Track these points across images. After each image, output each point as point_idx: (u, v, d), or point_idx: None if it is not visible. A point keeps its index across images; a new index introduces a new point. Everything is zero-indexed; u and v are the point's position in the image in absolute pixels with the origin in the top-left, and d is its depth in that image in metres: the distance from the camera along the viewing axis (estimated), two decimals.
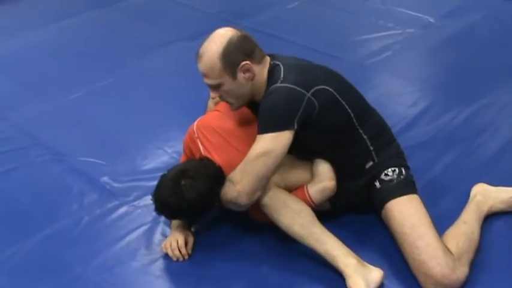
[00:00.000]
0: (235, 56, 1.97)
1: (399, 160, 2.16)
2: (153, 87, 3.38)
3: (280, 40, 3.75)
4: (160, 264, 2.13)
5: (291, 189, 2.09)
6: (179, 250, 2.11)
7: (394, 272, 2.00)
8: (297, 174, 2.10)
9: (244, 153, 2.07)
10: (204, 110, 2.51)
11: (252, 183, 1.92)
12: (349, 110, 2.05)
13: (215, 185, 2.02)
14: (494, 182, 2.30)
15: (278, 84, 1.96)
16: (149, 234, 2.27)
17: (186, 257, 2.12)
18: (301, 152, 2.15)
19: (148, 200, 2.40)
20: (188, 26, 4.09)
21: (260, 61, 2.03)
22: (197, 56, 2.02)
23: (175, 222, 2.22)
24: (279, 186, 2.03)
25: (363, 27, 3.88)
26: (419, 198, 2.07)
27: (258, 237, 2.21)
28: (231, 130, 2.18)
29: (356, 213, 2.25)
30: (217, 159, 2.11)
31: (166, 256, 2.14)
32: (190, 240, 2.17)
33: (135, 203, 2.44)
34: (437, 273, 1.86)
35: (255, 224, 2.20)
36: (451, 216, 2.13)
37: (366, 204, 2.19)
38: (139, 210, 2.40)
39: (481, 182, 2.31)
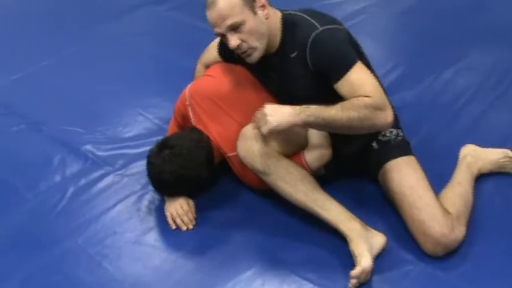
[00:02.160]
0: None
1: (396, 122, 2.14)
2: (124, 53, 3.27)
3: None
4: (155, 234, 2.08)
5: (287, 155, 2.04)
6: (185, 216, 2.08)
7: (393, 235, 2.00)
8: (294, 138, 2.05)
9: (240, 121, 2.04)
10: (191, 75, 2.45)
11: (385, 96, 1.88)
12: (364, 61, 2.00)
13: (202, 157, 2.03)
14: (480, 144, 2.31)
15: (320, 29, 1.89)
16: (139, 203, 2.21)
17: (191, 225, 2.08)
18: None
19: (135, 168, 2.37)
20: None
21: (269, 4, 1.97)
22: (208, 4, 1.90)
23: None
24: (278, 152, 1.99)
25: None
26: (416, 159, 2.07)
27: (257, 205, 2.18)
28: (226, 96, 2.12)
29: (350, 176, 2.23)
30: (211, 128, 2.06)
31: (160, 225, 2.10)
32: (191, 204, 2.12)
33: (121, 171, 2.36)
34: (437, 232, 1.87)
35: (246, 189, 2.18)
36: (440, 178, 2.12)
37: (361, 166, 2.17)
38: (126, 179, 2.33)
39: (467, 143, 2.33)
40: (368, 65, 2.04)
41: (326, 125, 1.87)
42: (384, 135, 2.08)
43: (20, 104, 2.82)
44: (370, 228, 1.93)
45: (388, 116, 1.85)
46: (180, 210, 2.08)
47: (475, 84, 2.81)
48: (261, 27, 1.93)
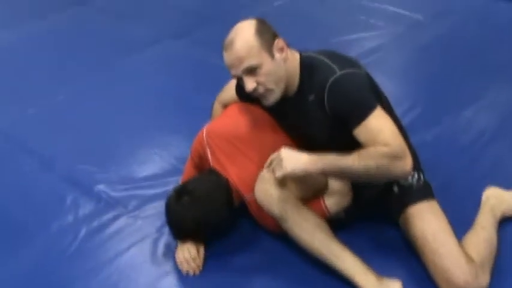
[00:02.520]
0: (267, 34, 1.87)
1: (417, 164, 2.09)
2: (141, 88, 3.25)
3: None
4: (170, 279, 2.02)
5: (307, 199, 2.00)
6: (192, 262, 2.02)
7: (411, 280, 1.94)
8: (313, 182, 2.01)
9: (257, 163, 2.00)
10: (208, 113, 2.42)
11: (404, 144, 1.80)
12: (384, 104, 1.97)
13: (222, 200, 2.00)
14: (502, 185, 2.26)
15: (339, 73, 1.84)
16: (154, 246, 2.14)
17: (197, 271, 2.02)
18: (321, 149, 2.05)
19: (149, 210, 2.32)
20: (172, 24, 3.98)
21: (287, 45, 1.93)
22: (225, 45, 1.88)
23: None
24: (296, 197, 1.94)
25: (353, 25, 3.81)
26: (437, 203, 2.01)
27: (267, 247, 2.12)
28: (244, 138, 2.08)
29: (368, 219, 2.17)
30: (229, 170, 2.02)
31: (175, 270, 2.03)
32: (201, 250, 2.07)
33: (135, 213, 2.31)
34: (460, 280, 1.82)
35: (264, 233, 2.13)
36: (462, 221, 2.07)
37: (381, 210, 2.12)
38: (141, 221, 2.27)
39: (489, 185, 2.27)
40: (388, 107, 2.01)
41: (343, 174, 1.84)
42: (405, 180, 2.03)
43: (34, 140, 2.79)
44: (385, 280, 1.87)
45: (406, 164, 1.79)
46: (187, 255, 2.03)
47: (494, 124, 2.76)
48: (278, 70, 1.89)
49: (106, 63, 3.49)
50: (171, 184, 2.43)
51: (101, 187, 2.45)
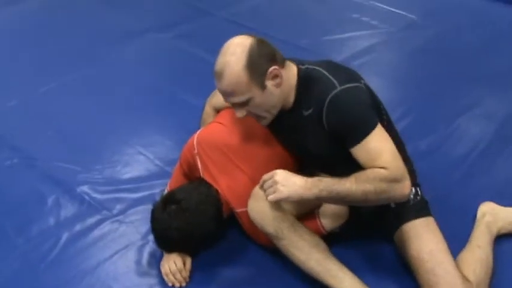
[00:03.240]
0: (260, 64, 1.74)
1: (414, 179, 2.02)
2: (125, 82, 3.13)
3: (259, 34, 3.54)
4: None
5: (301, 215, 1.94)
6: (178, 274, 1.94)
7: None
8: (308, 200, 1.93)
9: (249, 174, 1.93)
10: (195, 111, 2.38)
11: (403, 166, 1.74)
12: (384, 116, 1.91)
13: (211, 213, 1.92)
14: (497, 199, 2.22)
15: (339, 88, 1.75)
16: (138, 255, 2.06)
17: (184, 283, 1.94)
18: (314, 165, 1.99)
19: (134, 214, 2.24)
20: (161, 15, 3.85)
21: (283, 62, 1.83)
22: (215, 73, 1.78)
23: None
24: (291, 214, 1.88)
25: (346, 23, 3.72)
26: (434, 221, 1.95)
27: (257, 259, 2.05)
28: (236, 148, 1.99)
29: (363, 234, 2.11)
30: (220, 181, 1.94)
31: (161, 282, 1.95)
32: (188, 261, 1.98)
33: (120, 217, 2.22)
34: None
35: (252, 243, 2.06)
36: (456, 237, 2.00)
37: (377, 225, 2.06)
38: (125, 226, 2.18)
39: (484, 199, 2.23)
40: (386, 116, 1.95)
41: (340, 199, 1.75)
42: None
43: (14, 135, 2.68)
44: None
45: (405, 187, 1.72)
46: (173, 266, 1.95)
47: (490, 133, 2.70)
48: (270, 100, 1.81)
49: (89, 55, 3.35)
50: (157, 187, 2.36)
51: (83, 188, 2.35)
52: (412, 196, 1.97)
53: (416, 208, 1.96)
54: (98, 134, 2.68)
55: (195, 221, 1.89)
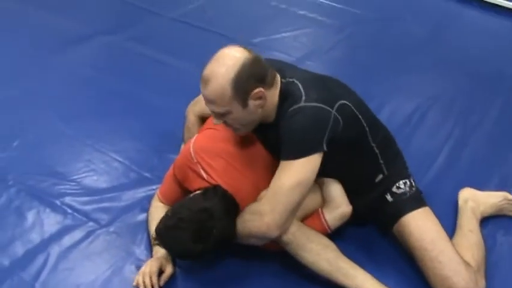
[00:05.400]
0: (247, 82, 1.73)
1: (406, 171, 2.08)
2: (85, 88, 2.99)
3: (209, 33, 3.52)
4: None
5: (304, 217, 1.96)
6: (148, 277, 1.86)
7: (406, 284, 1.95)
8: (310, 200, 1.94)
9: (250, 178, 1.92)
10: (161, 112, 2.44)
11: (285, 214, 1.76)
12: (365, 124, 1.92)
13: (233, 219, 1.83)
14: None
15: (302, 104, 1.76)
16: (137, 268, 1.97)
17: None
18: None
19: (123, 224, 2.16)
20: (106, 18, 3.69)
21: (272, 84, 1.81)
22: (202, 79, 1.76)
23: (157, 249, 1.95)
24: (297, 217, 1.87)
25: (295, 20, 3.73)
26: (430, 210, 2.01)
27: (251, 266, 2.02)
28: (234, 153, 1.95)
29: (360, 227, 2.14)
30: (225, 186, 1.89)
31: None
32: (168, 269, 1.90)
33: (109, 228, 2.13)
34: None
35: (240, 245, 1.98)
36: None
37: (373, 218, 2.11)
38: (116, 237, 2.10)
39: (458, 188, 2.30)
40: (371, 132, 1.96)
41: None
42: (398, 188, 2.01)
43: None
44: None
45: (263, 224, 1.75)
46: (147, 269, 1.88)
47: (451, 121, 2.80)
48: (248, 117, 1.82)
49: (38, 63, 3.15)
50: (140, 194, 2.29)
51: (64, 200, 2.24)
52: (407, 188, 2.02)
53: (413, 200, 2.01)
54: (67, 143, 2.54)
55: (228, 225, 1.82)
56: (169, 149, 2.46)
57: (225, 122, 1.84)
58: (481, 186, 2.29)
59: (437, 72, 3.24)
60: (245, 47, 1.78)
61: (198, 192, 1.87)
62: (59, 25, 3.55)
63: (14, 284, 1.91)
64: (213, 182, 1.90)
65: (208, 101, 1.78)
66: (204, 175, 1.91)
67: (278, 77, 1.85)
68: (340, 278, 1.84)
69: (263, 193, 1.86)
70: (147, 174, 2.38)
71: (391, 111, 2.84)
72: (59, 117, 2.71)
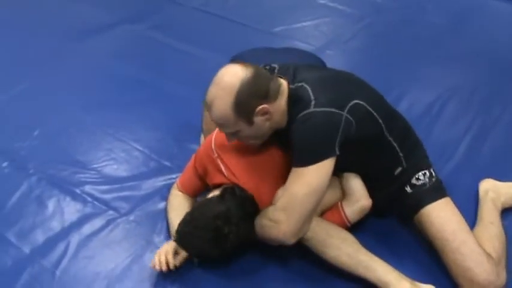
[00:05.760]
0: (249, 103, 1.74)
1: (426, 161, 2.05)
2: (107, 76, 3.03)
3: (230, 22, 3.52)
4: None
5: (324, 211, 1.96)
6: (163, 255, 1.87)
7: (428, 279, 1.89)
8: (330, 195, 1.93)
9: (268, 181, 1.92)
10: (180, 101, 2.48)
11: (301, 222, 1.77)
12: (380, 120, 1.89)
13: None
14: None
15: (311, 110, 1.74)
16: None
17: (164, 266, 1.85)
18: None
19: (143, 213, 2.17)
20: (129, 6, 3.72)
21: (276, 96, 1.80)
22: (205, 103, 1.80)
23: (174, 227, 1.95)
24: (316, 211, 1.87)
25: (315, 9, 3.72)
26: (451, 200, 1.99)
27: (261, 260, 2.00)
28: (254, 153, 1.96)
29: (377, 218, 2.12)
30: (245, 184, 1.90)
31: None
32: (184, 252, 1.91)
33: (129, 217, 2.14)
34: (484, 279, 1.81)
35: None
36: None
37: (392, 210, 2.09)
38: (136, 226, 2.11)
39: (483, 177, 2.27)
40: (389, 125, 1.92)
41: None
42: (418, 179, 1.99)
43: None
44: (418, 284, 1.83)
45: (279, 233, 1.77)
46: (163, 249, 1.90)
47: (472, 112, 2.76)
48: (258, 132, 1.84)
49: (63, 52, 3.19)
50: (160, 183, 2.30)
51: (84, 189, 2.26)
52: (427, 179, 2.00)
53: (434, 190, 1.98)
54: (88, 132, 2.57)
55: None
56: (189, 138, 2.47)
57: (238, 139, 1.86)
58: (501, 177, 2.26)
59: (458, 62, 3.18)
60: (244, 64, 1.78)
61: (215, 194, 1.88)
62: (81, 13, 3.60)
63: (34, 271, 1.93)
64: (233, 179, 1.91)
65: (216, 123, 1.83)
66: (225, 171, 1.93)
67: (284, 84, 1.84)
68: (361, 271, 1.84)
69: (280, 192, 1.86)
70: (167, 163, 2.39)
71: (411, 101, 2.81)
72: (79, 106, 2.74)
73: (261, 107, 1.76)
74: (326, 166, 1.75)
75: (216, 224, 1.77)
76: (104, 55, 3.16)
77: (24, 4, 3.75)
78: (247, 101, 1.74)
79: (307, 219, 1.79)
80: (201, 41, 3.29)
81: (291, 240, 1.79)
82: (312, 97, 1.77)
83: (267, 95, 1.77)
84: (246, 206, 1.83)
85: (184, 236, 1.82)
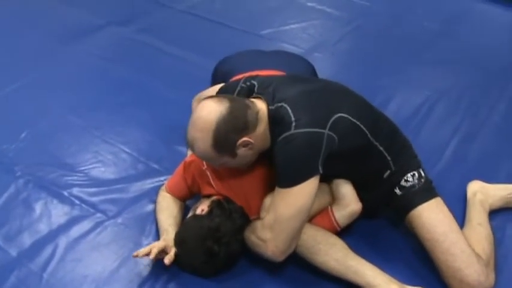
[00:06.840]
0: (228, 139, 1.76)
1: (415, 161, 2.05)
2: (95, 78, 3.01)
3: (218, 25, 3.51)
4: None
5: (313, 215, 1.95)
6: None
7: (418, 281, 1.90)
8: (319, 200, 1.93)
9: (258, 192, 1.93)
10: (168, 103, 2.47)
11: (288, 240, 1.79)
12: (365, 129, 1.88)
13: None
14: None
15: (292, 131, 1.74)
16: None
17: (153, 255, 1.81)
18: None
19: (131, 215, 2.15)
20: (117, 9, 3.69)
21: (256, 124, 1.79)
22: (187, 142, 1.83)
23: (165, 234, 1.94)
24: None
25: (303, 12, 3.72)
26: (442, 200, 1.99)
27: (253, 262, 1.99)
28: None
29: (366, 220, 2.12)
30: (234, 196, 1.92)
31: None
32: (173, 250, 1.87)
33: (117, 219, 2.13)
34: (474, 280, 1.82)
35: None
36: None
37: (382, 211, 2.10)
38: (124, 228, 2.09)
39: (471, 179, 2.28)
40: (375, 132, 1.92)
41: None
42: (407, 181, 1.99)
43: None
44: (407, 287, 1.84)
45: (267, 251, 1.80)
46: (156, 243, 1.88)
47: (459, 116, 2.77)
48: (243, 161, 1.87)
49: (49, 54, 3.16)
50: (148, 186, 2.28)
51: (72, 191, 2.24)
52: (416, 180, 1.99)
53: (423, 191, 1.98)
54: (76, 135, 2.55)
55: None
56: (177, 140, 2.45)
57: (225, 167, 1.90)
58: (489, 179, 2.27)
59: (446, 65, 3.19)
60: (218, 99, 1.78)
61: (203, 209, 1.90)
62: (69, 16, 3.57)
63: (22, 274, 1.91)
64: (222, 191, 1.92)
65: (202, 160, 1.91)
66: (213, 183, 1.94)
67: (263, 109, 1.83)
68: (350, 275, 1.84)
69: (267, 200, 1.88)
70: (155, 166, 2.38)
71: (399, 103, 2.82)
72: (67, 108, 2.72)
73: (241, 140, 1.76)
74: (310, 185, 1.76)
75: (207, 245, 1.80)
76: (92, 57, 3.14)
77: (13, 6, 3.72)
78: (226, 138, 1.75)
79: (295, 237, 1.81)
80: (189, 44, 3.28)
81: (280, 258, 1.81)
82: (293, 118, 1.76)
83: (246, 127, 1.77)
84: (235, 219, 1.85)
85: (177, 257, 1.83)
